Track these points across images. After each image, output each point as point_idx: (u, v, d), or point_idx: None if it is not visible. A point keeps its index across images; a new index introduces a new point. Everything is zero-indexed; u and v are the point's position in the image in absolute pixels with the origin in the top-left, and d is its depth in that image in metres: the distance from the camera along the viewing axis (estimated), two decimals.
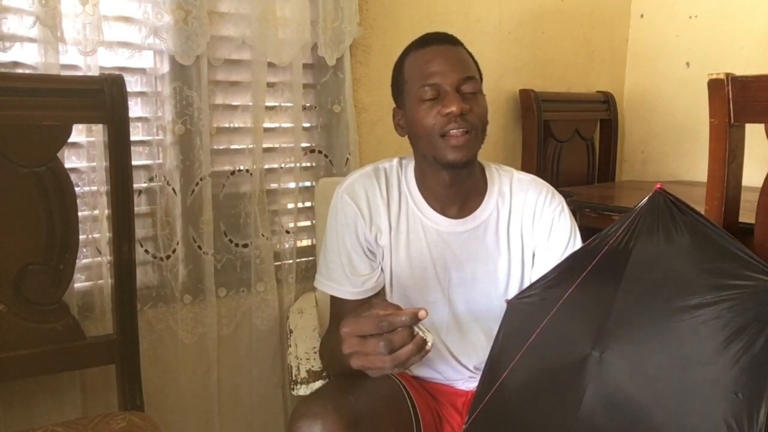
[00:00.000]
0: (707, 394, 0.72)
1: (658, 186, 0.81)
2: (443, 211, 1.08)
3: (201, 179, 1.38)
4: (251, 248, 1.49)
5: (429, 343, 0.76)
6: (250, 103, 1.45)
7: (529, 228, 1.09)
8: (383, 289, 1.11)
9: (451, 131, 0.97)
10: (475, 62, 1.06)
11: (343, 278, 1.07)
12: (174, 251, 1.38)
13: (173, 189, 1.36)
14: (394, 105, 1.09)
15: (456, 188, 1.06)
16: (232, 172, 1.47)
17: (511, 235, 1.09)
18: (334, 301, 1.10)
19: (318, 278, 1.12)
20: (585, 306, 0.84)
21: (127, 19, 1.28)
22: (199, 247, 1.41)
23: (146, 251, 1.38)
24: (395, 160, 1.12)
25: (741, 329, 0.71)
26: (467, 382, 1.14)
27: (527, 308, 0.94)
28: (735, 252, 0.75)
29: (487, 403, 0.93)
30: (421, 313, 0.74)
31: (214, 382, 1.49)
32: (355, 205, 1.06)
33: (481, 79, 1.06)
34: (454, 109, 0.96)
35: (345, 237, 1.07)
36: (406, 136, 1.07)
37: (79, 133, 1.25)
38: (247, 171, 1.48)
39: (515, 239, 1.09)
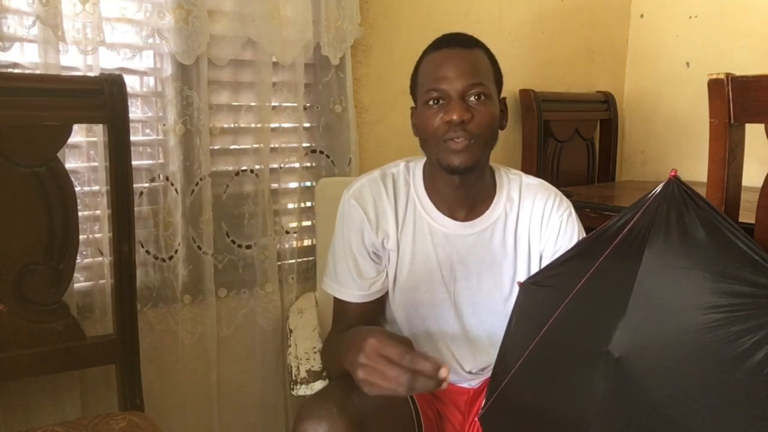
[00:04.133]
0: (728, 400, 0.70)
1: (673, 173, 0.78)
2: (451, 214, 1.08)
3: (201, 179, 1.38)
4: (255, 249, 1.49)
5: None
6: (253, 103, 1.45)
7: (536, 233, 1.09)
8: (386, 294, 1.12)
9: (452, 138, 0.98)
10: (495, 65, 1.05)
11: (350, 281, 1.07)
12: (176, 252, 1.38)
13: (175, 189, 1.36)
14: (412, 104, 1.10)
15: (464, 191, 1.06)
16: (237, 173, 1.47)
17: (518, 240, 1.10)
18: (339, 303, 1.10)
19: (325, 281, 1.12)
20: (600, 297, 0.82)
21: (127, 19, 1.27)
22: (199, 248, 1.41)
23: (147, 252, 1.37)
24: (402, 165, 1.13)
25: (757, 344, 0.69)
26: (468, 381, 1.15)
27: (540, 293, 0.92)
28: (752, 257, 0.72)
29: (501, 391, 0.92)
30: (443, 372, 0.75)
31: (213, 382, 1.49)
32: (362, 210, 1.07)
33: (499, 82, 1.06)
34: (454, 117, 0.96)
35: (351, 241, 1.07)
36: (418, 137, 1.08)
37: (79, 133, 1.25)
38: (251, 171, 1.47)
39: (522, 243, 1.10)
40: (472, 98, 0.99)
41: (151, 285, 1.38)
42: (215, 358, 1.48)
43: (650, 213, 0.79)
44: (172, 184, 1.36)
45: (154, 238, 1.38)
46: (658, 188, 0.79)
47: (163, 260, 1.38)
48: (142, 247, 1.36)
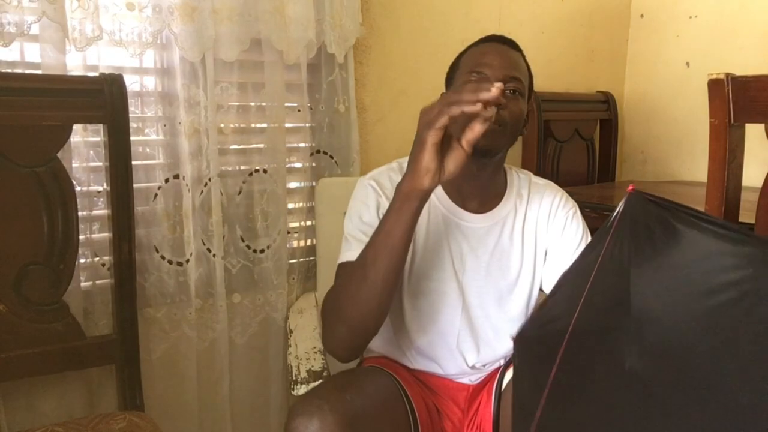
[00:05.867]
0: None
1: (631, 188, 0.72)
2: (464, 206, 1.11)
3: (209, 180, 1.37)
4: (269, 251, 1.49)
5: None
6: (257, 103, 1.45)
7: (543, 228, 1.14)
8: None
9: None
10: (530, 73, 1.10)
11: (358, 247, 1.04)
12: (191, 254, 1.37)
13: (188, 189, 1.35)
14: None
15: (479, 183, 1.10)
16: (250, 173, 1.47)
17: (526, 234, 1.14)
18: (342, 267, 1.05)
19: (339, 257, 1.07)
20: (601, 322, 0.80)
21: (133, 17, 1.25)
22: (209, 250, 1.40)
23: (162, 257, 1.36)
24: None
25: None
26: (469, 376, 1.15)
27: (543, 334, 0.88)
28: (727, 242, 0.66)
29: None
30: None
31: (225, 386, 1.48)
32: (379, 189, 1.08)
33: (530, 90, 1.11)
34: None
35: (363, 213, 1.07)
36: None
37: (79, 133, 1.25)
38: (264, 171, 1.47)
39: (529, 238, 1.14)
40: (509, 91, 1.03)
41: (165, 290, 1.37)
42: (227, 362, 1.47)
43: (622, 233, 0.73)
44: (187, 185, 1.35)
45: (168, 241, 1.36)
46: (620, 206, 0.73)
47: (179, 264, 1.37)
48: (157, 251, 1.35)
